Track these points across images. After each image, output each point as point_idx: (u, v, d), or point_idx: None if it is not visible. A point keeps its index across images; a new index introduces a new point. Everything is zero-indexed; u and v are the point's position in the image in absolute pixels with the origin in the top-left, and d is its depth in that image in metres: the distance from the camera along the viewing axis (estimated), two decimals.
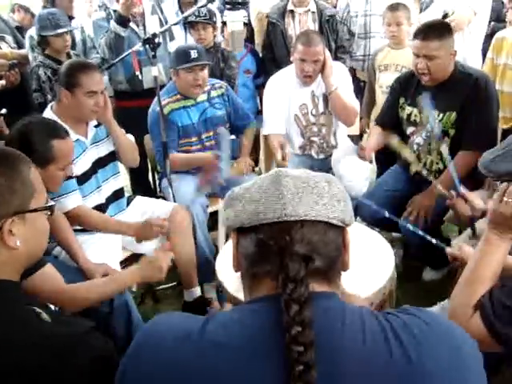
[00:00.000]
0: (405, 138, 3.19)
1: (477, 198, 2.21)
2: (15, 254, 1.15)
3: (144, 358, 0.92)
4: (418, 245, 2.82)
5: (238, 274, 1.03)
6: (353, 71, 4.24)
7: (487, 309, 1.29)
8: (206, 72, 3.25)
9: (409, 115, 3.12)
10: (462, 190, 2.31)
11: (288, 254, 0.90)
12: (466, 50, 4.07)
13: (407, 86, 3.13)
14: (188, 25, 3.91)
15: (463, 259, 1.82)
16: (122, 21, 3.69)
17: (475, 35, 4.17)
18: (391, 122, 3.25)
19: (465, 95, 2.84)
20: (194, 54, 3.15)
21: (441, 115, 2.93)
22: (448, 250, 1.98)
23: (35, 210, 1.18)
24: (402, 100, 3.16)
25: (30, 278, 1.83)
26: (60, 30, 3.60)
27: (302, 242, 0.91)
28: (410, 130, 3.16)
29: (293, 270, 0.88)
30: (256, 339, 0.88)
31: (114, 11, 3.79)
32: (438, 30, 2.82)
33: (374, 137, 3.31)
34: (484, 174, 1.49)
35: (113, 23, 3.72)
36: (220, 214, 3.38)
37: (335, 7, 4.41)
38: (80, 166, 2.62)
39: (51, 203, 1.23)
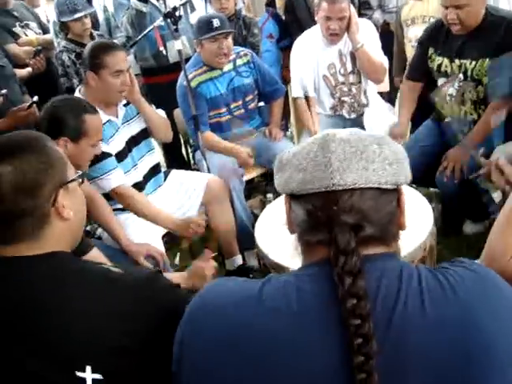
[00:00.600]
0: (437, 91, 3.14)
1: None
2: (69, 225, 1.20)
3: (203, 324, 0.93)
4: (456, 197, 2.80)
5: (278, 240, 1.05)
6: (386, 25, 4.12)
7: None
8: (230, 40, 3.22)
9: (439, 65, 3.04)
10: (501, 160, 2.24)
11: (337, 224, 0.88)
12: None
13: (436, 36, 3.03)
14: None
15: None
16: None
17: None
18: (421, 75, 3.18)
19: (498, 40, 2.74)
20: (216, 22, 3.11)
21: (473, 63, 2.86)
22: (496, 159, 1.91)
23: (73, 180, 1.24)
24: (431, 50, 3.08)
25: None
26: (77, 15, 3.60)
27: (351, 212, 0.89)
28: (441, 80, 3.08)
29: (342, 242, 0.87)
30: (314, 306, 0.88)
31: None
32: None
33: (405, 109, 3.29)
34: None
35: (134, 0, 3.70)
36: None
37: None
38: (114, 146, 2.65)
39: (80, 172, 1.28)
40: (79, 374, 1.04)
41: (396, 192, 0.95)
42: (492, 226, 1.44)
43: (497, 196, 2.45)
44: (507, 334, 0.86)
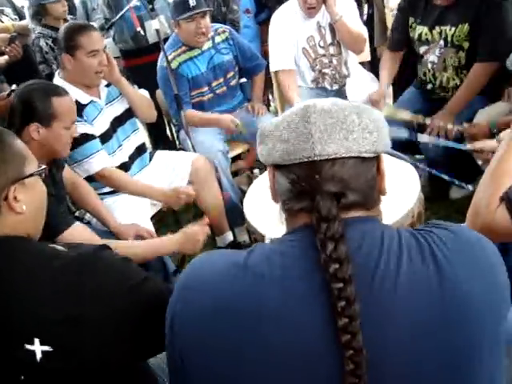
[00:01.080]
0: (418, 59, 3.14)
1: (490, 144, 2.14)
2: (23, 218, 1.21)
3: (190, 300, 0.94)
4: (441, 162, 2.82)
5: (267, 214, 1.06)
6: None
7: None
8: (207, 19, 3.18)
9: (420, 34, 3.04)
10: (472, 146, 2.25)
11: (319, 193, 0.90)
12: None
13: (416, 5, 3.04)
14: None
15: (486, 149, 1.77)
16: None
17: None
18: (402, 44, 3.20)
19: (477, 4, 2.75)
20: (192, 2, 3.06)
21: (453, 29, 2.86)
22: (468, 146, 1.94)
23: (31, 175, 1.24)
24: (411, 20, 3.08)
25: (60, 236, 1.95)
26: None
27: (333, 181, 0.91)
28: (422, 49, 3.09)
29: (324, 209, 0.89)
30: (297, 270, 0.89)
31: None
32: None
33: (383, 76, 3.29)
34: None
35: None
36: None
37: None
38: (99, 127, 2.64)
39: (43, 167, 1.29)
40: (28, 346, 1.06)
41: (376, 159, 0.98)
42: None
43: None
44: (484, 292, 0.88)
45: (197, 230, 2.14)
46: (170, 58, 3.04)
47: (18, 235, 1.20)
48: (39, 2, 3.62)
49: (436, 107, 2.97)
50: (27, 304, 1.08)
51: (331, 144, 0.92)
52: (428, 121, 2.85)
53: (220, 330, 0.89)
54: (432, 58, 3.05)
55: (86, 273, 1.13)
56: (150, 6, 2.80)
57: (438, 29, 2.94)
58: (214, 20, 3.52)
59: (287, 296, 0.88)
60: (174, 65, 3.16)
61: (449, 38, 2.91)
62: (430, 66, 3.07)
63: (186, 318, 0.94)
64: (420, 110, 3.10)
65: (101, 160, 2.57)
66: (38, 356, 1.06)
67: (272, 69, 3.57)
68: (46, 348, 1.06)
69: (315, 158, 0.91)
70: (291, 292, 0.88)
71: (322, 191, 0.90)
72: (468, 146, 1.93)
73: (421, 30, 3.03)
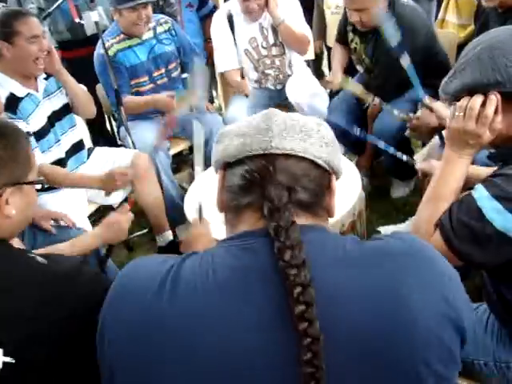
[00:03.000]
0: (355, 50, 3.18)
1: (442, 106, 2.20)
2: (7, 222, 1.19)
3: (120, 307, 0.91)
4: (388, 158, 2.87)
5: (209, 213, 1.03)
6: None
7: (446, 226, 1.31)
8: (149, 9, 3.13)
9: (355, 47, 3.09)
10: (426, 99, 2.29)
11: (271, 183, 0.90)
12: None
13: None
14: None
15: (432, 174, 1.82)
16: None
17: None
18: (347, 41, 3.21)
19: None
20: None
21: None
22: (417, 165, 1.99)
23: (32, 183, 1.26)
24: (349, 28, 3.12)
25: None
26: None
27: (286, 174, 0.91)
28: (358, 67, 3.16)
29: (276, 198, 0.88)
30: (233, 276, 0.87)
31: None
32: None
33: (336, 62, 3.28)
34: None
35: None
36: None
37: None
38: (36, 122, 2.55)
39: (42, 178, 1.33)
40: None
41: (328, 174, 0.98)
42: (418, 190, 1.48)
43: (417, 157, 2.51)
44: (431, 306, 0.85)
45: (118, 218, 2.07)
46: (107, 45, 2.98)
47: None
48: None
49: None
50: None
51: (289, 141, 0.93)
52: (376, 101, 2.85)
53: (147, 350, 0.85)
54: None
55: (63, 292, 1.10)
56: None
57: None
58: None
59: (222, 304, 0.85)
60: (111, 52, 3.09)
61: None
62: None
63: (115, 328, 0.90)
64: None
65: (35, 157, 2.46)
66: None
67: (218, 70, 3.57)
68: (8, 359, 1.02)
69: (271, 151, 0.92)
70: (225, 301, 0.85)
71: (274, 181, 0.90)
72: (417, 166, 1.98)
73: (352, 37, 3.08)
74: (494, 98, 1.29)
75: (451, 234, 1.29)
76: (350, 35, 3.09)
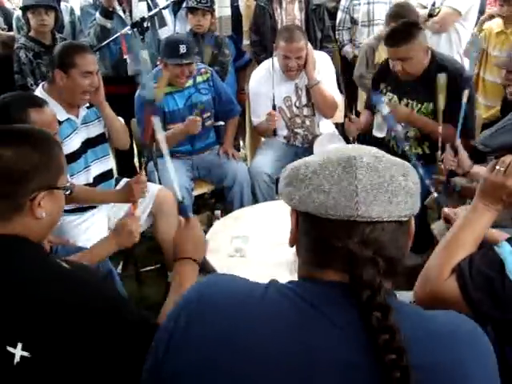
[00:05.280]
0: None
1: (466, 159, 2.22)
2: (37, 223, 1.26)
3: (199, 319, 0.90)
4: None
5: (225, 255, 1.03)
6: (355, 57, 4.25)
7: (465, 273, 1.31)
8: (193, 65, 3.28)
9: (389, 101, 3.17)
10: (459, 142, 2.35)
11: (357, 257, 0.86)
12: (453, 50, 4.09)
13: (386, 75, 3.18)
14: (188, 10, 3.88)
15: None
16: (107, 13, 3.68)
17: (462, 35, 4.12)
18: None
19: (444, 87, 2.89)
20: (183, 49, 3.16)
21: (419, 105, 3.01)
22: (445, 209, 2.02)
23: (62, 188, 1.33)
24: (382, 86, 3.22)
25: None
26: (37, 3, 3.54)
27: (372, 245, 0.87)
28: None
29: (367, 275, 0.84)
30: (316, 323, 0.85)
31: None
32: (406, 34, 2.87)
33: (363, 117, 3.39)
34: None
35: (98, 16, 3.69)
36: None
37: None
38: (70, 145, 2.64)
39: (71, 182, 1.34)
40: (10, 348, 1.07)
41: (408, 220, 0.93)
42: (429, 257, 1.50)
43: (434, 227, 2.55)
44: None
45: (126, 221, 2.11)
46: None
47: (28, 239, 1.24)
48: (22, 6, 3.61)
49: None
50: (20, 309, 1.10)
51: (375, 207, 0.86)
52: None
53: (227, 361, 0.85)
54: (396, 126, 3.17)
55: (88, 292, 1.16)
56: (141, 37, 2.85)
57: (405, 100, 3.08)
58: (203, 61, 3.65)
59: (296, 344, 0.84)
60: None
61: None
62: (392, 133, 3.20)
63: (192, 336, 0.89)
64: None
65: None
66: (16, 360, 1.07)
67: (253, 122, 3.65)
68: (26, 354, 1.07)
69: (357, 219, 0.86)
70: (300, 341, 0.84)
71: (361, 255, 0.86)
72: (444, 210, 2.02)
73: (391, 96, 3.16)
74: None
75: (468, 281, 1.30)
76: (387, 94, 3.18)
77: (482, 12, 4.39)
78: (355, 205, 0.86)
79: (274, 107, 3.28)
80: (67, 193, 1.36)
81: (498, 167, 1.39)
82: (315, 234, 0.91)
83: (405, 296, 2.68)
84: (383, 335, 0.80)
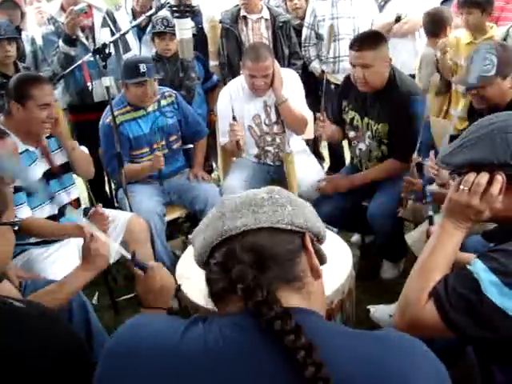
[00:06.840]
0: (348, 142, 3.30)
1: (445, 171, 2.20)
2: None
3: (122, 364, 0.92)
4: (385, 233, 2.95)
5: (199, 281, 1.02)
6: (322, 72, 4.27)
7: (442, 296, 1.29)
8: (155, 84, 3.25)
9: (351, 119, 3.18)
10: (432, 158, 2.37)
11: (234, 265, 0.91)
12: (417, 53, 4.21)
13: (349, 91, 3.18)
14: (154, 34, 3.88)
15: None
16: (70, 40, 3.63)
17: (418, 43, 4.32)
18: (339, 122, 3.33)
19: (393, 109, 2.92)
20: (143, 67, 3.13)
21: (376, 125, 3.03)
22: (409, 242, 2.01)
23: (5, 224, 1.28)
24: (344, 103, 3.22)
25: None
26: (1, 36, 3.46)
27: (247, 251, 0.92)
28: (351, 134, 3.23)
29: (242, 278, 0.89)
30: (232, 354, 0.88)
31: (63, 23, 3.69)
32: (372, 40, 2.90)
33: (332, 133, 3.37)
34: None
35: (61, 43, 3.64)
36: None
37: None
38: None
39: (18, 219, 1.30)
40: None
41: (298, 234, 0.98)
42: (406, 269, 1.48)
43: (412, 233, 2.54)
44: None
45: (88, 244, 1.91)
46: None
47: None
48: None
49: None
50: None
51: (240, 218, 0.95)
52: None
53: None
54: (361, 145, 3.19)
55: (49, 334, 1.14)
56: (103, 64, 2.81)
57: (366, 119, 3.08)
58: (171, 83, 3.62)
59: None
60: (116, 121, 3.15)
61: (374, 132, 3.06)
62: (358, 152, 3.22)
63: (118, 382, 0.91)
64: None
65: (22, 213, 2.48)
66: None
67: (221, 141, 3.61)
68: None
69: (227, 235, 0.94)
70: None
71: (236, 263, 0.91)
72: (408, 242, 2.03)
73: (353, 115, 3.16)
74: (501, 179, 1.31)
75: (446, 305, 1.27)
76: (349, 112, 3.18)
77: None
78: (222, 223, 0.96)
79: (233, 118, 3.23)
80: (15, 228, 1.31)
81: (461, 187, 1.37)
82: (213, 267, 0.97)
83: (382, 310, 2.70)
84: (300, 352, 0.82)
